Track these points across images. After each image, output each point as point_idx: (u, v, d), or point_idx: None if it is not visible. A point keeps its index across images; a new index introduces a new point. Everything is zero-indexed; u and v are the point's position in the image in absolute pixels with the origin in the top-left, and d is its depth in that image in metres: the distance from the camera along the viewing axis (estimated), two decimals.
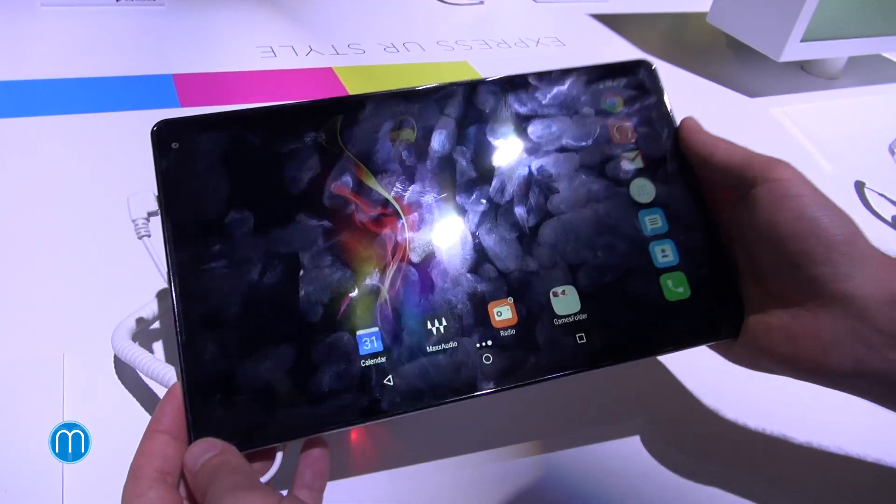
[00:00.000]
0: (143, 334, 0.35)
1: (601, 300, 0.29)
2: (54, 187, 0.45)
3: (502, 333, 0.28)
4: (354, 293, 0.27)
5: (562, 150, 0.31)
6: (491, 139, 0.31)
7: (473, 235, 0.29)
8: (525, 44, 0.77)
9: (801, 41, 0.66)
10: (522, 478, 0.32)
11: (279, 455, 0.26)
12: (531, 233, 0.29)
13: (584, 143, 0.31)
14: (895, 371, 0.25)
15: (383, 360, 0.27)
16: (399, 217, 0.29)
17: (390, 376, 0.27)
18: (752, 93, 0.72)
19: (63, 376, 0.33)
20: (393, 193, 0.29)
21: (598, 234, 0.30)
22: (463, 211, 0.29)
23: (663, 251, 0.30)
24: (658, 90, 0.32)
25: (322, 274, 0.27)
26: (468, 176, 0.30)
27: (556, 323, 0.29)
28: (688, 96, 0.69)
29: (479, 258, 0.29)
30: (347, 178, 0.29)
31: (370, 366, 0.27)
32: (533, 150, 0.31)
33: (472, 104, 0.31)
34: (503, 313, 0.28)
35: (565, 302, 0.29)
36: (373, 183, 0.29)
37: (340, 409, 0.26)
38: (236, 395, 0.25)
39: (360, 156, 0.29)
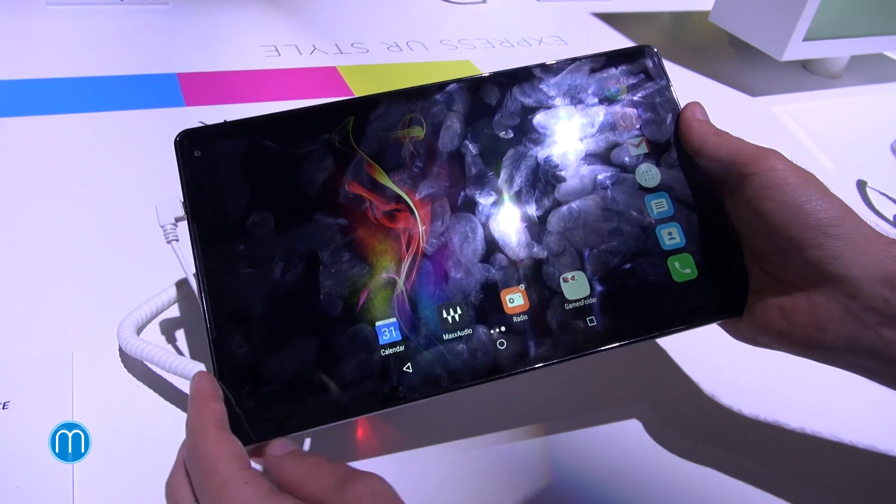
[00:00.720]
0: (149, 329, 0.36)
1: (611, 284, 0.30)
2: (59, 186, 0.45)
3: (515, 319, 0.29)
4: (372, 286, 0.28)
5: (567, 139, 0.32)
6: (497, 132, 0.31)
7: (484, 226, 0.30)
8: (528, 43, 0.77)
9: (804, 40, 0.67)
10: (526, 460, 0.33)
11: (307, 441, 0.27)
12: (540, 221, 0.30)
13: (589, 132, 0.32)
14: (888, 347, 0.26)
15: (402, 348, 0.28)
16: (412, 212, 0.30)
17: (409, 364, 0.28)
18: (754, 92, 0.72)
19: (72, 372, 0.33)
20: (405, 189, 0.30)
21: (606, 219, 0.31)
22: (473, 203, 0.30)
23: (670, 234, 0.31)
24: (661, 74, 0.33)
25: (341, 269, 0.28)
26: (477, 169, 0.31)
27: (567, 307, 0.29)
28: (690, 95, 0.69)
29: (490, 248, 0.30)
30: (361, 177, 0.30)
31: (389, 355, 0.28)
32: (539, 140, 0.31)
33: (478, 98, 0.31)
34: (515, 300, 0.29)
35: (575, 287, 0.30)
36: (385, 180, 0.30)
37: (363, 397, 0.27)
38: (265, 386, 0.27)
39: (372, 155, 0.30)
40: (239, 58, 0.65)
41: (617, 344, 0.29)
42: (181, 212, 0.29)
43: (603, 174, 0.31)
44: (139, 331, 0.34)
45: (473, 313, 0.29)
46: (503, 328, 0.29)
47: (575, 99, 0.32)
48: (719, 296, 0.31)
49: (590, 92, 0.32)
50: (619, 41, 0.81)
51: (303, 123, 0.30)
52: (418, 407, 0.28)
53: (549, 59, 0.32)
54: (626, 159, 0.32)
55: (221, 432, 0.24)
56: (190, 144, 0.29)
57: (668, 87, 0.33)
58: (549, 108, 0.32)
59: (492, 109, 0.31)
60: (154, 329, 0.36)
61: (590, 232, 0.30)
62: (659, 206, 0.31)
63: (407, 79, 0.66)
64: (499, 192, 0.30)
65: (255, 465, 0.26)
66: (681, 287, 0.30)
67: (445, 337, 0.28)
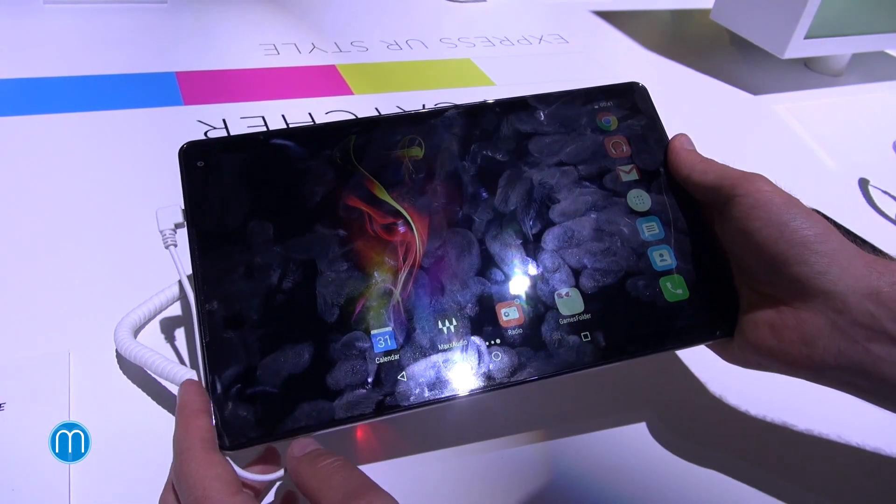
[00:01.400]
0: (149, 329, 0.35)
1: (605, 301, 0.31)
2: (57, 185, 0.45)
3: (510, 332, 0.29)
4: (369, 295, 0.29)
5: (562, 164, 0.33)
6: (494, 154, 0.33)
7: (480, 242, 0.31)
8: (528, 41, 0.77)
9: (805, 38, 0.66)
10: (531, 464, 0.32)
11: None
12: (535, 239, 0.31)
13: (582, 158, 0.33)
14: (876, 364, 0.26)
15: (397, 357, 0.28)
16: (410, 226, 0.30)
17: (403, 373, 0.28)
18: (755, 90, 0.72)
19: (69, 373, 0.33)
20: (404, 205, 0.31)
21: (599, 240, 0.32)
22: (470, 219, 0.31)
23: (661, 255, 0.32)
24: (649, 109, 0.35)
25: (338, 278, 0.29)
26: (473, 188, 0.32)
27: (562, 322, 0.30)
28: (691, 94, 0.69)
29: (486, 263, 0.30)
30: (361, 192, 0.31)
31: (384, 363, 0.28)
32: (534, 163, 0.33)
33: (476, 123, 0.33)
34: (510, 314, 0.30)
35: (570, 303, 0.30)
36: (385, 196, 0.31)
37: (357, 404, 0.27)
38: (258, 391, 0.27)
39: (372, 171, 0.31)
40: (238, 56, 0.65)
41: (612, 362, 0.30)
42: (181, 218, 0.30)
43: (596, 197, 0.33)
44: (136, 332, 0.33)
45: (468, 325, 0.29)
46: (498, 340, 0.29)
47: (569, 127, 0.34)
48: (711, 315, 0.31)
49: (583, 122, 0.34)
50: (620, 39, 0.81)
51: (306, 139, 0.31)
52: (417, 413, 0.28)
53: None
54: (618, 185, 0.33)
55: (208, 453, 0.24)
56: (194, 155, 0.30)
57: (655, 119, 0.35)
58: (544, 134, 0.33)
59: (489, 133, 0.33)
60: (154, 329, 0.36)
61: (584, 251, 0.31)
62: (650, 228, 0.32)
63: (406, 77, 0.66)
64: (494, 211, 0.31)
65: (256, 476, 0.26)
66: (673, 307, 0.31)
67: (440, 347, 0.29)
